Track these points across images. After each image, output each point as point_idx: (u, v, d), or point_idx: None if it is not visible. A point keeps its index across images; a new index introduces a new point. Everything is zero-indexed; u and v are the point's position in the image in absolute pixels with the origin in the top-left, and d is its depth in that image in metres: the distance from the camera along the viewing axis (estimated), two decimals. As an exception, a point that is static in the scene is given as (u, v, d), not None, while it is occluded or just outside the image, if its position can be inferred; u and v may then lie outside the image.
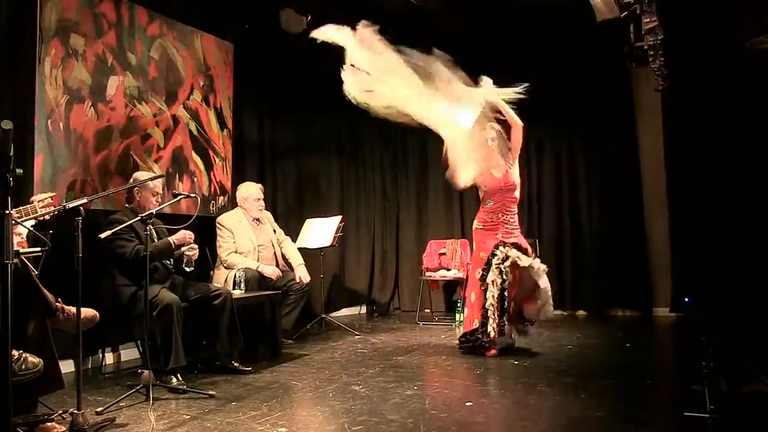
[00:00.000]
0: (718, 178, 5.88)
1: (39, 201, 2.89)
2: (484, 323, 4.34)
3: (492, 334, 4.31)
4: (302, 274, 5.06)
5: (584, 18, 5.31)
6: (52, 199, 2.93)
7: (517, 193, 4.63)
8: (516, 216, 4.63)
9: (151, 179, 3.87)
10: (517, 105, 4.45)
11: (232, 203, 5.39)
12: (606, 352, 4.63)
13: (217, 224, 4.97)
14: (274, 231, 5.24)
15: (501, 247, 4.41)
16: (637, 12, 5.05)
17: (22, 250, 2.80)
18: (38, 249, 2.95)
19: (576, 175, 6.83)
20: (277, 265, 5.07)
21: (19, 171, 1.98)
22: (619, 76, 6.48)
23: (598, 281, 6.59)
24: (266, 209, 5.26)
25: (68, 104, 4.27)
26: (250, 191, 5.09)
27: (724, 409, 2.65)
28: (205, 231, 5.04)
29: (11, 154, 1.95)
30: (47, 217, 2.86)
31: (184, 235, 3.87)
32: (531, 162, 6.84)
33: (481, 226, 4.60)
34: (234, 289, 4.45)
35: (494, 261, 4.38)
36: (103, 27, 4.54)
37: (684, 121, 6.18)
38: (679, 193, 6.26)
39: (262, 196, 5.12)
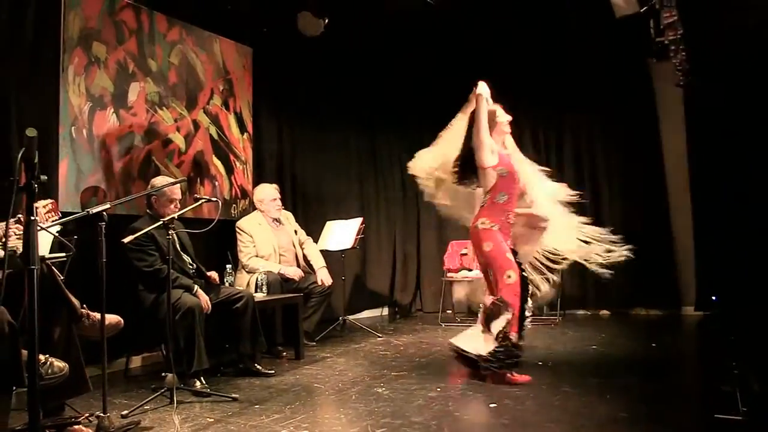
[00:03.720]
0: (741, 174, 5.77)
1: (43, 207, 2.88)
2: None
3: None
4: (324, 277, 5.06)
5: (604, 14, 5.26)
6: (52, 205, 2.92)
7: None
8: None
9: (171, 184, 3.83)
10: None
11: (253, 206, 5.41)
12: (631, 353, 4.56)
13: (237, 229, 4.99)
14: (296, 232, 5.24)
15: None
16: (657, 7, 4.98)
17: (47, 255, 2.84)
18: (63, 254, 2.99)
19: (597, 172, 6.75)
20: (299, 267, 5.07)
21: (43, 177, 2.01)
22: (640, 71, 6.42)
23: (622, 280, 6.48)
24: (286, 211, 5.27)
25: (91, 111, 4.32)
26: (266, 192, 5.11)
27: (757, 411, 2.59)
28: (227, 234, 5.08)
29: (36, 160, 1.98)
30: (57, 227, 2.86)
31: (207, 302, 3.84)
32: (551, 159, 6.72)
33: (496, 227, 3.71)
34: (256, 292, 4.46)
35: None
36: (124, 34, 4.59)
37: (706, 116, 6.08)
38: (702, 188, 6.17)
39: (278, 196, 5.12)
